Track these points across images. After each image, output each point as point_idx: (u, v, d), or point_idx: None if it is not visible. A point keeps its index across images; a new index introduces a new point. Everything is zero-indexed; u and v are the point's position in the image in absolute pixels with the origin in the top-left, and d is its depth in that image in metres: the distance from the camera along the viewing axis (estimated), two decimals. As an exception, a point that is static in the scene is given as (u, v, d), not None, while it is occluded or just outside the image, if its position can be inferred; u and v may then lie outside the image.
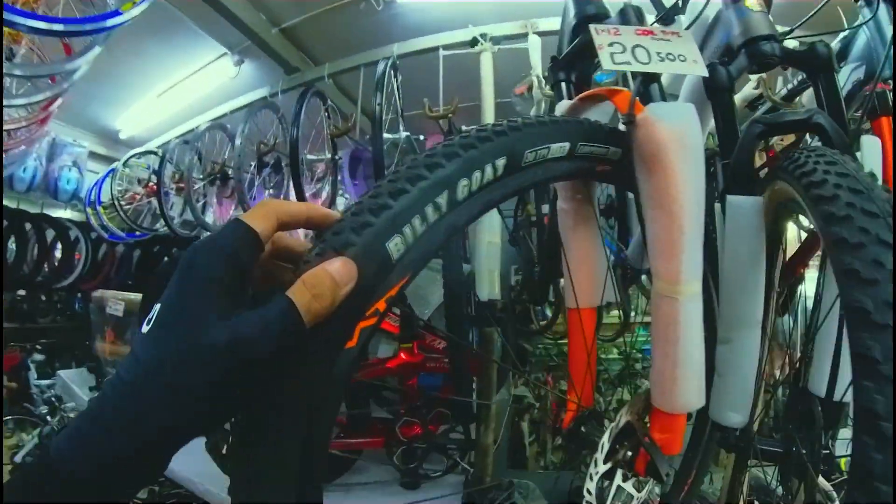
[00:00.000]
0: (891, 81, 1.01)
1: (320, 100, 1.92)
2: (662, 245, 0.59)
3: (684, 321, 0.57)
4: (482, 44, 1.90)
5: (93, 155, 2.82)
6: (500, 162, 0.46)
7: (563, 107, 0.76)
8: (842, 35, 1.33)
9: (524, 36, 1.92)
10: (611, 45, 0.64)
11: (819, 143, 0.64)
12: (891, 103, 1.01)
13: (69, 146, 2.62)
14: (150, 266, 2.54)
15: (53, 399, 2.36)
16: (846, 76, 1.20)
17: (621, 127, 0.61)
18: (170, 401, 0.29)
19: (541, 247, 1.70)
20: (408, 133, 1.70)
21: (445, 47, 1.92)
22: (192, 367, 0.30)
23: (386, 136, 1.70)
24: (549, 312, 1.98)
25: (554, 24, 1.55)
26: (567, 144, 0.53)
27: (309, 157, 1.84)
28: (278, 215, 0.36)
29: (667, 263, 0.58)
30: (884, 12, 1.07)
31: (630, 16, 0.77)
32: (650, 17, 0.91)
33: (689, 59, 0.64)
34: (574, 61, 0.93)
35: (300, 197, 1.64)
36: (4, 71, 1.51)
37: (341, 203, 2.08)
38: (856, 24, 1.21)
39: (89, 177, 2.71)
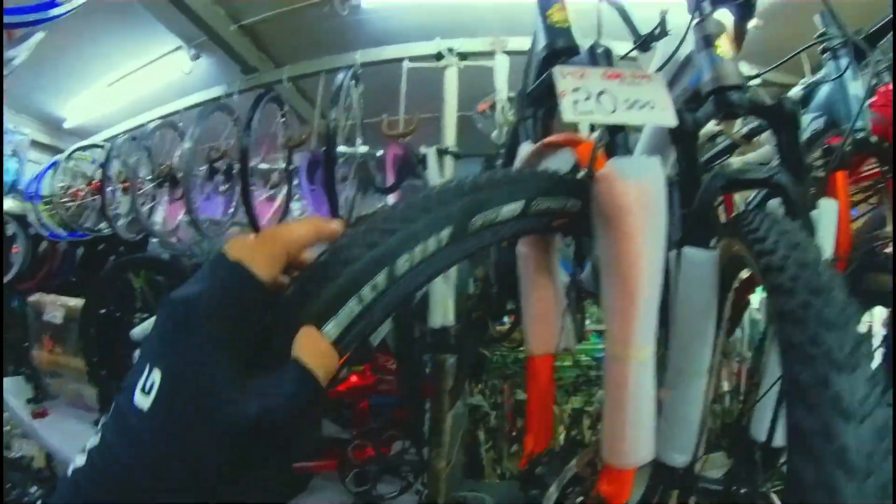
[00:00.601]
0: (857, 134, 1.04)
1: (277, 105, 1.84)
2: (616, 308, 0.58)
3: (634, 384, 0.57)
4: (448, 58, 1.86)
5: (36, 144, 2.64)
6: (445, 233, 0.45)
7: (525, 150, 0.74)
8: (805, 83, 1.37)
9: (492, 54, 1.89)
10: (575, 90, 0.61)
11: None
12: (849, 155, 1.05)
13: (9, 133, 2.43)
14: (94, 266, 2.39)
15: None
16: (805, 124, 1.22)
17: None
18: (194, 487, 0.26)
19: (497, 266, 1.69)
20: (366, 147, 1.65)
21: (411, 59, 1.87)
22: (221, 446, 0.27)
23: (343, 148, 1.65)
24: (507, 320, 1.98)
25: (524, 43, 1.53)
26: (520, 204, 0.52)
27: (262, 166, 1.76)
28: (288, 252, 0.34)
29: (620, 327, 0.58)
30: (848, 66, 1.10)
31: (598, 55, 0.75)
32: (626, 45, 0.93)
33: (658, 107, 0.62)
34: (541, 98, 0.91)
35: (248, 208, 1.57)
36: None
37: (296, 208, 2.01)
38: (820, 76, 1.24)
39: (31, 167, 2.54)
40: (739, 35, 0.78)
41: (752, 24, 0.80)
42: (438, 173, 1.50)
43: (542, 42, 0.88)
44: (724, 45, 0.69)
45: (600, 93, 0.61)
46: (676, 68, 0.87)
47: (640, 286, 0.56)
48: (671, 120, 0.62)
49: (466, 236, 0.47)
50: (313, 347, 0.31)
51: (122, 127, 2.46)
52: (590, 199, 0.58)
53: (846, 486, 0.31)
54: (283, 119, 1.91)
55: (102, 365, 2.00)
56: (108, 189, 2.09)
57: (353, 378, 1.52)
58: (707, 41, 0.70)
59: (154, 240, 2.14)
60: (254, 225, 1.60)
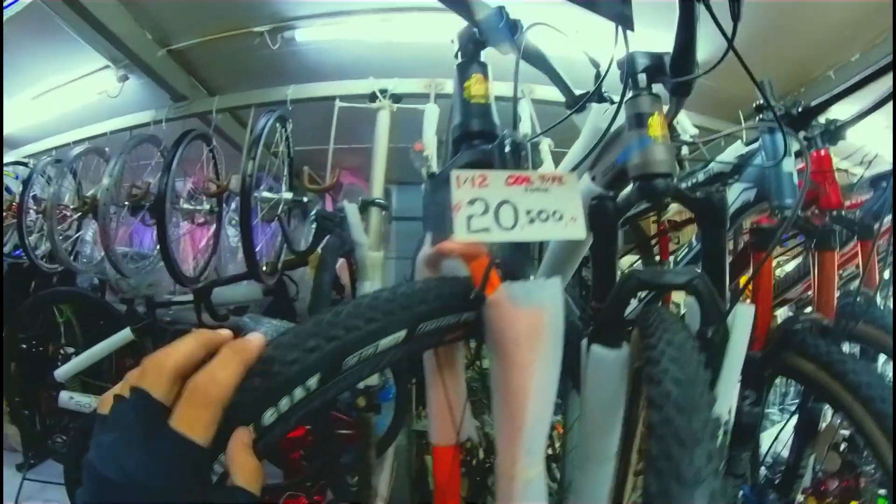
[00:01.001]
0: (781, 211, 1.05)
1: (204, 142, 1.80)
2: (505, 430, 0.58)
3: (521, 493, 0.57)
4: (381, 100, 1.85)
5: (-46, 153, 2.49)
6: (313, 381, 0.44)
7: (422, 259, 0.72)
8: (736, 150, 1.34)
9: (427, 96, 1.88)
10: (472, 202, 0.56)
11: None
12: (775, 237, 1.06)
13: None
14: (18, 292, 2.28)
15: None
16: (736, 194, 1.24)
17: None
18: None
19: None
20: (290, 194, 1.64)
21: (342, 99, 1.85)
22: None
23: (267, 195, 1.63)
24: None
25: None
26: (402, 333, 0.51)
27: (185, 206, 1.73)
28: (178, 373, 0.35)
29: (508, 447, 0.58)
30: (782, 143, 1.09)
31: (506, 153, 0.65)
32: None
33: (566, 218, 0.57)
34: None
35: (164, 251, 1.54)
36: None
37: (233, 234, 1.97)
38: (753, 148, 1.22)
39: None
40: (674, 109, 0.71)
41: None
42: (362, 228, 1.51)
43: (456, 118, 0.79)
44: (656, 125, 0.64)
45: (501, 203, 0.56)
46: (608, 138, 0.78)
47: (527, 413, 0.56)
48: (580, 233, 0.58)
49: (341, 374, 0.47)
50: (246, 469, 0.36)
51: (49, 143, 2.34)
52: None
53: None
54: (212, 155, 1.87)
55: (24, 404, 1.97)
56: (29, 215, 2.01)
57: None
58: (639, 120, 0.65)
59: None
60: (170, 268, 1.58)
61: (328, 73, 1.97)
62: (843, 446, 1.31)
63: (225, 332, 0.40)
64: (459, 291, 0.58)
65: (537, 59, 0.89)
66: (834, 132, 1.27)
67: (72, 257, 1.98)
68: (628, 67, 0.66)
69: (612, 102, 0.83)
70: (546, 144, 1.66)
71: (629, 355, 0.64)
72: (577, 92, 0.96)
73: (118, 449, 0.32)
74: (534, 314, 0.56)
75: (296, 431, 1.56)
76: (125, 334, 1.69)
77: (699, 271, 0.63)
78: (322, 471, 1.54)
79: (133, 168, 1.86)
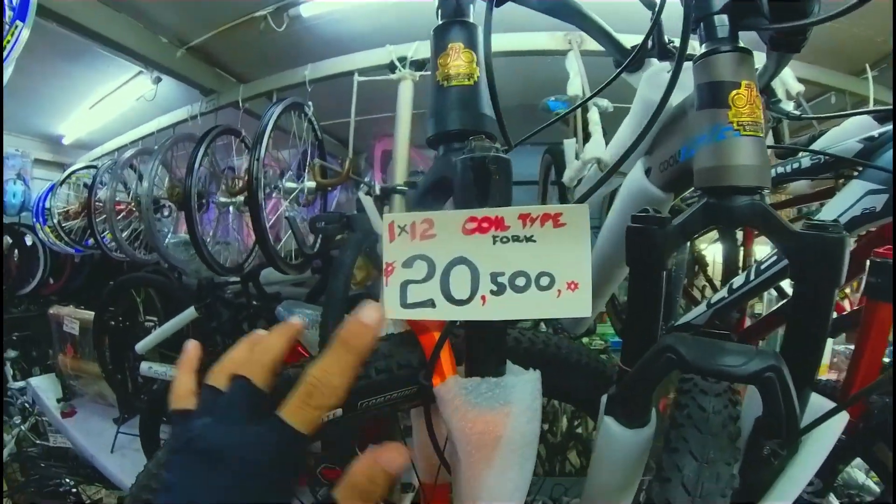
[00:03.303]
0: None
1: (233, 135, 1.82)
2: None
3: None
4: (400, 70, 1.73)
5: (39, 161, 2.78)
6: None
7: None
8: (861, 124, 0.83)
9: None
10: (408, 263, 0.39)
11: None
12: None
13: (11, 157, 2.58)
14: (102, 277, 2.58)
15: (27, 405, 2.53)
16: (854, 197, 0.73)
17: None
18: None
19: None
20: (313, 184, 1.61)
21: (361, 72, 1.76)
22: None
23: (291, 185, 1.62)
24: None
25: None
26: (338, 411, 0.43)
27: (221, 199, 1.78)
28: (276, 365, 0.39)
29: None
30: None
31: (470, 175, 0.40)
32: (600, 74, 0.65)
33: (558, 285, 0.38)
34: (435, 186, 0.61)
35: (195, 243, 1.61)
36: None
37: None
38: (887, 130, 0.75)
39: (40, 184, 2.70)
40: (774, 69, 0.47)
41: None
42: (380, 219, 1.44)
43: (428, 112, 0.59)
44: (743, 105, 0.40)
45: (454, 263, 0.38)
46: (671, 114, 0.55)
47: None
48: (582, 309, 0.38)
49: None
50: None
51: (114, 144, 2.53)
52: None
53: None
54: (244, 144, 1.89)
55: (116, 370, 2.32)
56: (98, 212, 2.21)
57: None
58: (713, 94, 0.41)
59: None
60: (201, 255, 1.65)
61: (347, 45, 1.87)
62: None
63: (296, 322, 0.42)
64: (414, 362, 0.47)
65: (560, 7, 0.60)
66: None
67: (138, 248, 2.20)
68: (696, 2, 0.42)
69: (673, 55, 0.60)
70: (595, 112, 1.18)
71: (653, 436, 0.49)
72: (631, 45, 0.64)
73: (226, 426, 0.35)
74: (494, 417, 0.41)
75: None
76: (190, 312, 1.86)
77: (776, 356, 0.40)
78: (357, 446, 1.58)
79: (180, 166, 1.96)
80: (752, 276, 0.78)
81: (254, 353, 0.38)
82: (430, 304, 0.39)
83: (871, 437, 0.74)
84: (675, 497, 0.40)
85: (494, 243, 0.38)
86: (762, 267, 0.78)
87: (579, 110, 1.38)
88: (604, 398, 0.50)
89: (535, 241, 0.37)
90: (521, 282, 0.38)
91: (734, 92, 0.41)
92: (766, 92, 0.93)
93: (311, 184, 1.61)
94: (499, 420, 0.41)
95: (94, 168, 2.53)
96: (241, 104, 1.93)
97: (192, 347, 0.43)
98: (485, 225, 0.38)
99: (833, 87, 1.42)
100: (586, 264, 0.38)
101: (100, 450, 2.13)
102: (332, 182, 1.49)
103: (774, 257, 0.76)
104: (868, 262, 0.75)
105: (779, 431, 0.39)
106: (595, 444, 0.53)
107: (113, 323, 2.37)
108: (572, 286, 0.38)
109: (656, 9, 0.48)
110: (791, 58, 0.46)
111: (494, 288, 0.38)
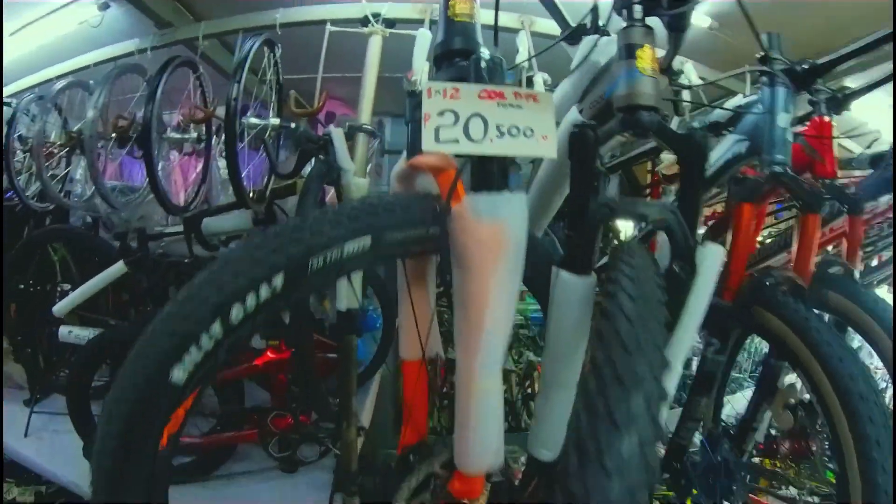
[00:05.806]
0: (775, 167, 1.01)
1: (190, 69, 1.73)
2: (464, 340, 0.60)
3: (480, 408, 0.61)
4: (373, 25, 1.77)
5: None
6: (278, 280, 0.46)
7: (395, 174, 0.71)
8: (736, 103, 1.30)
9: (422, 22, 1.80)
10: (441, 113, 0.55)
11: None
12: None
13: None
14: (12, 233, 2.24)
15: None
16: (728, 146, 1.20)
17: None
18: None
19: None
20: (278, 120, 1.58)
21: (333, 23, 1.77)
22: None
23: (254, 121, 1.58)
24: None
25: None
26: (367, 238, 0.52)
27: (173, 135, 1.68)
28: None
29: (466, 357, 0.60)
30: (781, 97, 1.05)
31: (480, 68, 0.63)
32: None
33: (536, 135, 0.58)
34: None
35: (152, 180, 1.50)
36: None
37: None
38: (751, 99, 1.17)
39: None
40: (673, 48, 0.72)
41: (706, 24, 0.75)
42: (348, 154, 1.46)
43: (438, 36, 0.76)
44: (645, 58, 0.63)
45: (472, 116, 0.55)
46: (599, 72, 0.82)
47: (485, 323, 0.58)
48: (551, 151, 0.57)
49: (307, 278, 0.48)
50: None
51: (31, 80, 2.26)
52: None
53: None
54: (199, 83, 1.80)
55: (26, 343, 1.95)
56: (16, 155, 1.95)
57: (269, 353, 1.55)
58: (629, 51, 0.64)
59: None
60: (158, 196, 1.54)
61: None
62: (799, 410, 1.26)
63: None
64: (427, 205, 0.58)
65: None
66: (841, 101, 1.25)
67: (62, 195, 1.94)
68: None
69: (607, 35, 0.88)
70: (540, 77, 1.72)
71: (596, 284, 0.64)
72: (575, 24, 0.95)
73: None
74: (496, 227, 0.57)
75: (282, 354, 1.57)
76: (118, 267, 1.69)
77: (673, 207, 0.62)
78: (306, 392, 1.57)
79: (119, 101, 1.80)
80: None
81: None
82: (455, 141, 0.55)
83: (748, 300, 1.02)
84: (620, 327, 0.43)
85: (498, 106, 0.56)
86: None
87: (525, 79, 1.72)
88: (554, 267, 0.67)
89: (523, 108, 0.57)
90: (514, 132, 0.57)
91: (640, 49, 0.63)
92: (673, 75, 1.40)
93: (275, 121, 1.58)
94: (501, 227, 0.57)
95: (6, 105, 2.24)
96: (200, 40, 1.84)
97: None
98: (493, 95, 0.57)
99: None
100: (552, 126, 0.58)
101: (12, 437, 1.67)
102: (306, 112, 1.49)
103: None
104: (728, 178, 1.14)
105: (683, 255, 0.59)
106: (552, 295, 0.67)
107: (22, 287, 2.00)
108: (545, 137, 0.57)
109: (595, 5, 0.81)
110: (682, 38, 0.70)
111: (498, 134, 0.56)
